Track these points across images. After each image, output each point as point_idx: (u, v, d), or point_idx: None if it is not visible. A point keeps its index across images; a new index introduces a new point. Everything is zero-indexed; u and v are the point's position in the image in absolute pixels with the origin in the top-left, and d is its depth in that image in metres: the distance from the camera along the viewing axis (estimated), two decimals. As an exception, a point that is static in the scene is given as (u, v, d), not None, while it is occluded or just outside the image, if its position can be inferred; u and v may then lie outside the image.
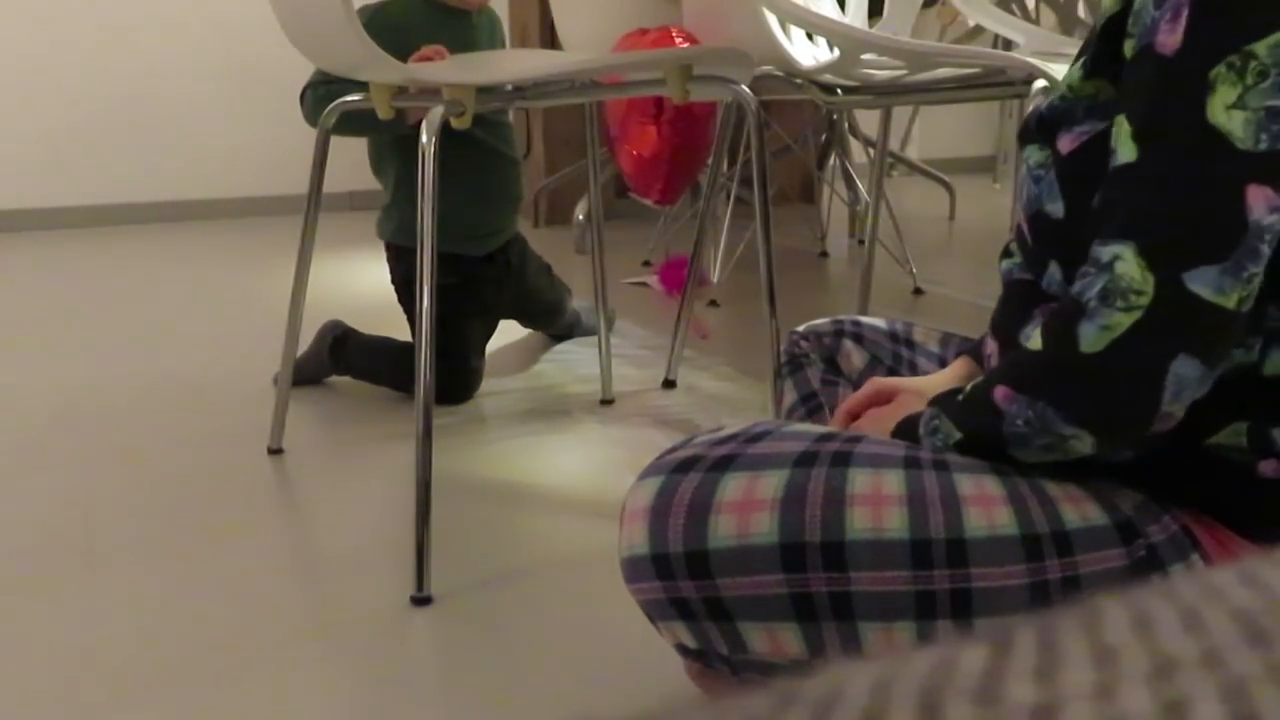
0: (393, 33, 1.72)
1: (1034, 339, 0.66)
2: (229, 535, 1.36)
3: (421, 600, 1.18)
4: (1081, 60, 0.73)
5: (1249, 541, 0.70)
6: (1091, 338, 0.61)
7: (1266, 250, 0.60)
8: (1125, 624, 0.15)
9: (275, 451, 1.64)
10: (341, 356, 1.94)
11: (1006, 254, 0.80)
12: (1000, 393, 0.68)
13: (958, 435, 0.72)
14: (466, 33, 1.89)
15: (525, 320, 2.21)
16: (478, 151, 1.91)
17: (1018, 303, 0.76)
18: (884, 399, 0.85)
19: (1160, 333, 0.60)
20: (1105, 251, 0.62)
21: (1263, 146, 0.59)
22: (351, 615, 1.16)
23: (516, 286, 2.06)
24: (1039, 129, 0.74)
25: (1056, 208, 0.71)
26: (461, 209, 1.88)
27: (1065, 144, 0.71)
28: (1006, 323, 0.78)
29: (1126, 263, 0.60)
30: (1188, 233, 0.59)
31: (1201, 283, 0.59)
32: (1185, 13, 0.61)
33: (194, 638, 1.12)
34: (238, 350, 2.23)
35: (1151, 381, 0.61)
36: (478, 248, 1.95)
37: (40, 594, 1.21)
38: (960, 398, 0.73)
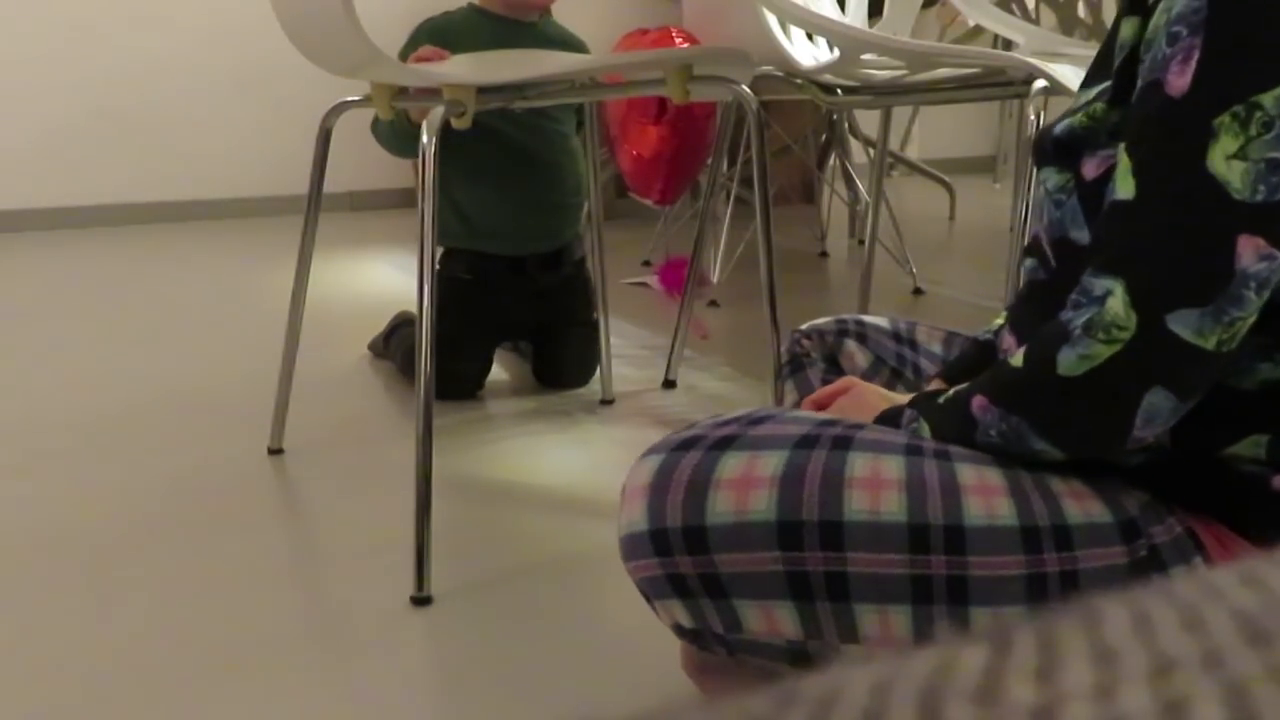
0: (438, 40, 1.72)
1: (1017, 356, 0.68)
2: (229, 535, 1.36)
3: (421, 600, 1.18)
4: (1098, 88, 0.73)
5: (1255, 546, 0.70)
6: (1070, 363, 0.64)
7: (1253, 296, 0.61)
8: (1125, 624, 0.15)
9: (275, 451, 1.64)
10: (389, 345, 2.09)
11: (1029, 253, 0.80)
12: (977, 402, 0.70)
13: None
14: (521, 43, 1.83)
15: (536, 358, 2.00)
16: (507, 150, 1.86)
17: (1038, 301, 0.76)
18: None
19: (1136, 366, 0.62)
20: (1098, 284, 0.64)
21: (1259, 198, 0.59)
22: (351, 615, 1.16)
23: (538, 308, 1.94)
24: (1057, 152, 0.74)
25: (1082, 234, 0.72)
26: (484, 206, 1.87)
27: (1090, 169, 0.71)
28: (1025, 320, 0.78)
29: (1116, 298, 0.62)
30: (1174, 276, 0.61)
31: (1182, 324, 0.61)
32: (1196, 56, 0.61)
33: (193, 637, 1.12)
34: (238, 350, 2.23)
35: (1124, 409, 0.63)
36: (499, 247, 1.90)
37: (39, 593, 1.21)
38: (940, 400, 0.75)
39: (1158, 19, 0.65)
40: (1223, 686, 0.13)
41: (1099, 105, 0.71)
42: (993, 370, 0.70)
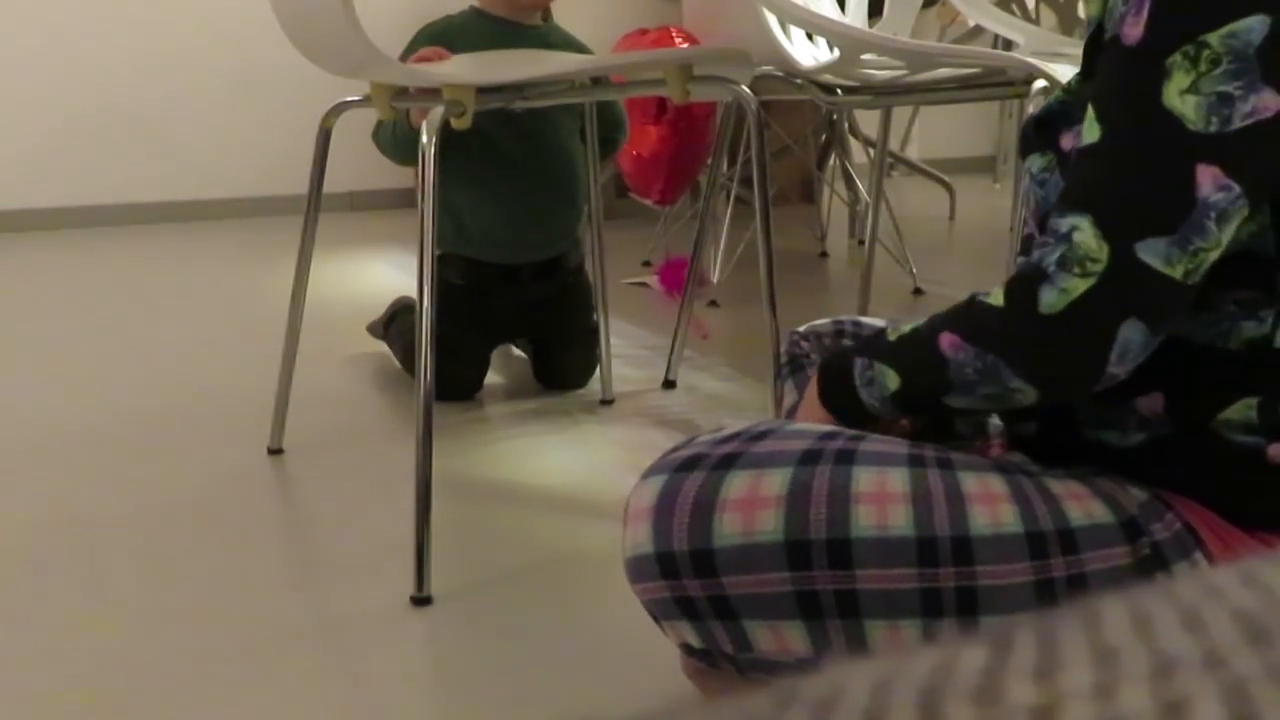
0: (438, 44, 1.72)
1: (994, 295, 0.68)
2: (229, 535, 1.36)
3: (421, 600, 1.18)
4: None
5: (1253, 537, 0.70)
6: (1050, 300, 0.65)
7: (1214, 227, 0.63)
8: (1125, 624, 0.15)
9: (275, 451, 1.64)
10: (389, 329, 2.08)
11: (1024, 251, 0.80)
12: (947, 340, 0.70)
13: (896, 382, 0.74)
14: (520, 45, 1.83)
15: (536, 359, 2.00)
16: (506, 158, 1.86)
17: None
18: None
19: (1112, 297, 0.64)
20: (1064, 222, 0.65)
21: (1213, 128, 0.62)
22: (351, 615, 1.16)
23: (533, 317, 1.94)
24: (1038, 133, 0.75)
25: None
26: (480, 213, 1.87)
27: (1068, 141, 0.72)
28: None
29: (1084, 233, 0.64)
30: (1140, 206, 0.63)
31: (1151, 253, 0.63)
32: (1147, 6, 0.64)
33: (194, 638, 1.12)
34: (238, 350, 2.23)
35: (1100, 342, 0.64)
36: (493, 255, 1.90)
37: (39, 594, 1.21)
38: (893, 340, 0.75)
39: None
40: (1223, 686, 0.13)
41: (1073, 80, 0.74)
42: (964, 309, 0.71)
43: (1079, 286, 0.64)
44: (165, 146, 4.04)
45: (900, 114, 4.38)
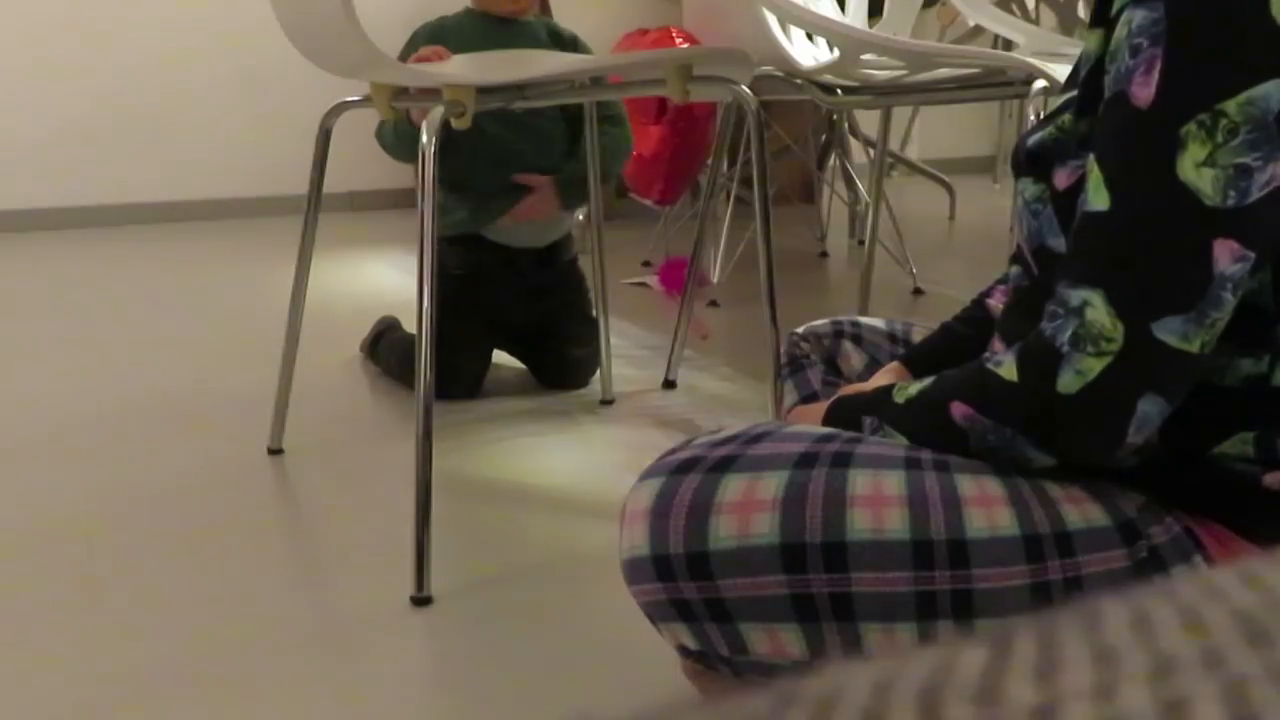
0: (435, 43, 1.74)
1: (1007, 367, 0.67)
2: (229, 535, 1.36)
3: (421, 600, 1.18)
4: (1065, 96, 0.74)
5: (1252, 544, 0.70)
6: (1067, 381, 0.64)
7: (1230, 297, 0.62)
8: (1125, 624, 0.15)
9: (275, 451, 1.64)
10: (376, 349, 2.08)
11: (1014, 260, 0.80)
12: (960, 410, 0.70)
13: (907, 444, 0.74)
14: (511, 42, 1.87)
15: (534, 359, 2.01)
16: (506, 134, 1.89)
17: (1024, 308, 0.77)
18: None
19: (1129, 376, 0.63)
20: (1075, 295, 0.64)
21: (1230, 202, 0.60)
22: (351, 615, 1.16)
23: (534, 307, 1.96)
24: (1030, 163, 0.74)
25: (1059, 242, 0.72)
26: (480, 182, 1.89)
27: (1061, 179, 0.71)
28: (1014, 326, 0.78)
29: (1096, 309, 0.63)
30: (1156, 285, 0.62)
31: (1168, 331, 0.62)
32: (1158, 66, 0.61)
33: (193, 638, 1.12)
34: (238, 350, 2.23)
35: (1119, 418, 0.64)
36: (490, 215, 1.92)
37: (40, 594, 1.21)
38: (903, 402, 0.75)
39: (1120, 31, 0.65)
40: (1223, 686, 0.13)
41: (1066, 117, 0.71)
42: (974, 378, 0.70)
43: (1095, 367, 0.63)
44: (165, 146, 4.04)
45: (900, 114, 4.38)
